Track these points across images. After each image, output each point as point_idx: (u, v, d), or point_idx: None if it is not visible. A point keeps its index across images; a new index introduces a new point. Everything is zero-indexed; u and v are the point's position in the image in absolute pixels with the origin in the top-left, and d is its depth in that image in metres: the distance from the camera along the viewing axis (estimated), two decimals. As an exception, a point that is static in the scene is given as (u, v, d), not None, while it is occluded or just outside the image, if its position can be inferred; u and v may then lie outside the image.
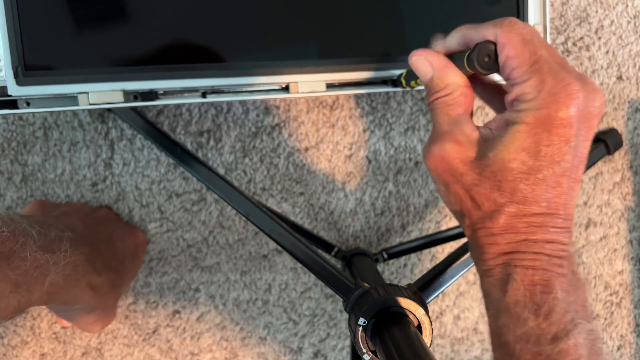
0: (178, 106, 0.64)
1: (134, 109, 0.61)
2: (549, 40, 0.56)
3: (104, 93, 0.46)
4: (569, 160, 0.34)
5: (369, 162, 0.68)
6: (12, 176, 0.64)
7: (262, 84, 0.50)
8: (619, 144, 0.70)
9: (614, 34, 0.69)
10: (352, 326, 0.41)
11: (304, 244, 0.47)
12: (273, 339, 0.71)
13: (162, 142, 0.58)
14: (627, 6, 0.68)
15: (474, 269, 0.73)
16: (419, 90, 0.67)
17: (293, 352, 0.72)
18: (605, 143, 0.69)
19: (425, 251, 0.71)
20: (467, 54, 0.37)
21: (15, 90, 0.45)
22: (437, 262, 0.51)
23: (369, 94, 0.67)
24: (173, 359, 0.70)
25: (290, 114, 0.66)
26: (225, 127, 0.66)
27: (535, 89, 0.34)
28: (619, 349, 0.76)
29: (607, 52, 0.69)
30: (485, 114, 0.69)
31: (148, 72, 0.47)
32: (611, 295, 0.74)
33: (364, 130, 0.68)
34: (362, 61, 0.51)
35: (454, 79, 0.38)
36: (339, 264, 0.66)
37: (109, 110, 0.63)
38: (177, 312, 0.69)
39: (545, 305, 0.33)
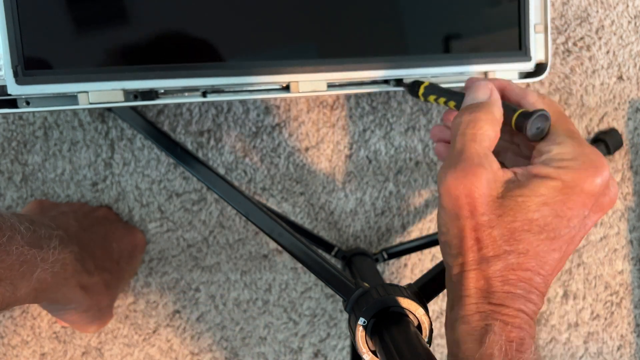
0: (178, 106, 0.64)
1: (134, 108, 0.61)
2: (549, 40, 0.56)
3: (104, 92, 0.46)
4: (576, 227, 0.35)
5: (370, 162, 0.68)
6: (12, 176, 0.64)
7: (263, 84, 0.50)
8: (619, 144, 0.70)
9: (615, 33, 0.69)
10: (352, 326, 0.41)
11: (304, 244, 0.47)
12: (273, 339, 0.71)
13: (163, 141, 0.58)
14: (627, 6, 0.68)
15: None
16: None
17: (293, 352, 0.72)
18: (605, 143, 0.69)
19: (426, 251, 0.71)
20: (520, 112, 0.39)
21: (15, 90, 0.45)
22: (438, 262, 0.50)
23: (369, 94, 0.67)
24: (173, 359, 0.70)
25: (290, 114, 0.66)
26: (226, 126, 0.66)
27: (575, 150, 0.36)
28: (619, 349, 0.76)
29: (608, 52, 0.69)
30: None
31: (148, 71, 0.47)
32: (611, 295, 0.74)
33: (365, 130, 0.68)
34: (362, 61, 0.51)
35: (499, 114, 0.39)
36: (339, 264, 0.66)
37: (109, 109, 0.63)
38: (177, 312, 0.69)
39: None
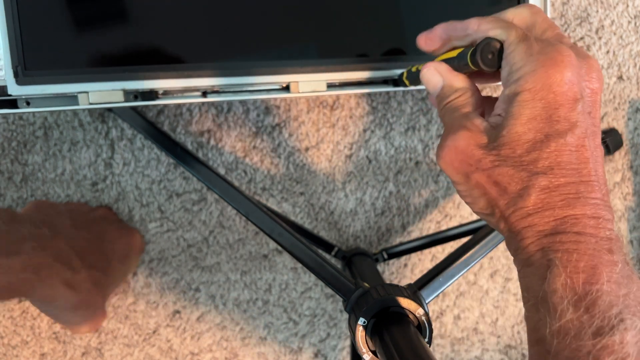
0: (178, 106, 0.64)
1: (134, 108, 0.61)
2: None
3: (104, 92, 0.46)
4: (583, 121, 0.32)
5: (370, 162, 0.68)
6: (13, 176, 0.64)
7: (263, 84, 0.50)
8: (619, 144, 0.70)
9: (615, 33, 0.69)
10: (352, 326, 0.41)
11: (304, 244, 0.47)
12: (273, 339, 0.71)
13: (163, 141, 0.58)
14: (627, 6, 0.68)
15: (474, 269, 0.73)
16: (419, 90, 0.67)
17: (293, 352, 0.72)
18: (605, 143, 0.69)
19: (426, 251, 0.71)
20: (470, 52, 0.37)
21: (15, 90, 0.45)
22: (438, 262, 0.50)
23: (369, 94, 0.67)
24: (173, 359, 0.70)
25: (290, 114, 0.66)
26: (226, 127, 0.66)
27: (525, 54, 0.33)
28: (619, 349, 0.75)
29: (608, 52, 0.69)
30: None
31: (148, 72, 0.47)
32: (611, 295, 0.74)
33: (365, 130, 0.68)
34: (362, 61, 0.51)
35: (462, 83, 0.38)
36: (339, 264, 0.66)
37: (109, 109, 0.63)
38: (178, 312, 0.69)
39: (587, 296, 0.29)
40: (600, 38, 0.68)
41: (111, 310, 0.68)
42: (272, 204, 0.68)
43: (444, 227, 0.71)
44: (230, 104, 0.65)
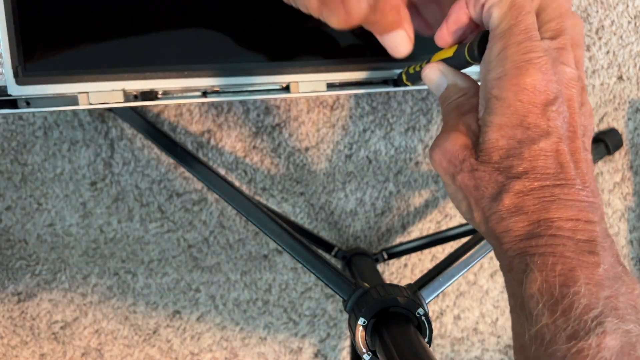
0: (178, 106, 0.64)
1: (134, 108, 0.61)
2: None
3: (104, 93, 0.46)
4: (558, 125, 0.31)
5: (370, 162, 0.68)
6: (12, 176, 0.64)
7: (263, 84, 0.50)
8: (619, 144, 0.70)
9: (615, 34, 0.69)
10: (352, 326, 0.41)
11: (304, 244, 0.47)
12: (273, 339, 0.71)
13: (163, 141, 0.58)
14: (627, 6, 0.68)
15: (474, 269, 0.73)
16: (419, 90, 0.67)
17: (293, 352, 0.72)
18: (605, 143, 0.69)
19: (426, 251, 0.71)
20: (466, 47, 0.37)
21: (15, 90, 0.45)
22: (437, 262, 0.50)
23: (369, 94, 0.67)
24: (173, 359, 0.70)
25: (290, 114, 0.66)
26: (226, 127, 0.66)
27: (498, 54, 0.33)
28: (619, 349, 0.75)
29: (608, 52, 0.69)
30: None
31: (148, 72, 0.47)
32: (611, 295, 0.74)
33: (365, 130, 0.68)
34: (362, 61, 0.51)
35: (467, 82, 0.38)
36: (339, 264, 0.66)
37: (109, 109, 0.63)
38: (178, 312, 0.69)
39: (564, 299, 0.28)
40: (600, 38, 0.68)
41: (111, 310, 0.68)
42: (272, 204, 0.68)
43: (444, 227, 0.71)
44: (230, 104, 0.65)
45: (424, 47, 0.44)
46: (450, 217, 0.71)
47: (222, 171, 0.66)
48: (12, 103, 0.46)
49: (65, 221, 0.66)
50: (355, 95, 0.67)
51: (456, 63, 0.39)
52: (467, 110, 0.36)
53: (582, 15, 0.68)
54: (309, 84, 0.50)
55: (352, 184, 0.69)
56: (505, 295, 0.74)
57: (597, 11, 0.68)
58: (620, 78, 0.70)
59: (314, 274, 0.47)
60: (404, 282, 0.48)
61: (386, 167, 0.69)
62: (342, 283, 0.45)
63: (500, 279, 0.73)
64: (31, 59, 0.45)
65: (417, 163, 0.69)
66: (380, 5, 0.37)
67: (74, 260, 0.67)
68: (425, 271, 0.49)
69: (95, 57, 0.46)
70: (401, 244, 0.68)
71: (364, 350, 0.41)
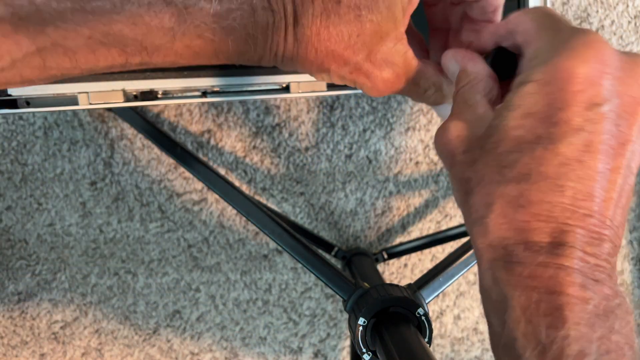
0: (178, 106, 0.64)
1: (134, 108, 0.61)
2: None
3: (104, 93, 0.46)
4: (596, 131, 0.25)
5: (370, 162, 0.68)
6: (12, 176, 0.64)
7: (263, 84, 0.50)
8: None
9: (615, 34, 0.69)
10: (352, 326, 0.41)
11: (304, 244, 0.47)
12: (273, 339, 0.71)
13: (163, 141, 0.58)
14: (627, 6, 0.68)
15: (474, 269, 0.73)
16: (419, 90, 0.67)
17: (293, 352, 0.72)
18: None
19: (426, 251, 0.71)
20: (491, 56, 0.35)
21: (15, 90, 0.45)
22: (437, 262, 0.50)
23: (369, 94, 0.67)
24: (173, 359, 0.70)
25: (290, 114, 0.66)
26: (226, 127, 0.66)
27: (545, 41, 0.28)
28: (619, 349, 0.76)
29: (608, 52, 0.69)
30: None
31: (148, 72, 0.47)
32: (611, 295, 0.74)
33: (365, 130, 0.68)
34: (362, 61, 0.51)
35: (478, 69, 0.32)
36: (339, 264, 0.66)
37: (109, 109, 0.63)
38: (178, 312, 0.69)
39: (553, 345, 0.23)
40: (600, 38, 0.68)
41: (111, 310, 0.68)
42: (272, 204, 0.68)
43: (444, 227, 0.71)
44: (230, 104, 0.65)
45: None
46: (450, 217, 0.71)
47: (222, 171, 0.66)
48: (12, 103, 0.46)
49: (65, 221, 0.66)
50: (355, 95, 0.67)
51: None
52: (473, 95, 0.32)
53: (582, 16, 0.68)
54: (309, 84, 0.50)
55: (352, 184, 0.69)
56: (505, 295, 0.74)
57: (597, 11, 0.68)
58: (605, 41, 0.70)
59: (314, 274, 0.47)
60: (404, 282, 0.48)
61: (386, 167, 0.69)
62: (342, 283, 0.45)
63: (500, 279, 0.73)
64: (31, 59, 0.45)
65: (417, 163, 0.69)
66: (409, 75, 0.34)
67: (74, 260, 0.67)
68: (425, 271, 0.49)
69: (95, 57, 0.46)
70: (401, 244, 0.68)
71: (364, 350, 0.41)
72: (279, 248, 0.67)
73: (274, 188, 0.68)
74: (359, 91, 0.53)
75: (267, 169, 0.67)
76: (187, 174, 0.66)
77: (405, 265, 0.71)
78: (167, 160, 0.66)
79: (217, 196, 0.66)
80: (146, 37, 0.28)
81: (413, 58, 0.33)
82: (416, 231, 0.71)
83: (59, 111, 0.63)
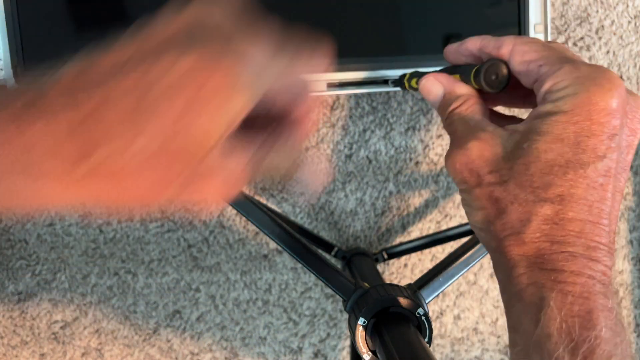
0: (178, 106, 0.64)
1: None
2: (549, 40, 0.56)
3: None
4: (613, 158, 0.29)
5: (370, 162, 0.68)
6: (12, 176, 0.64)
7: (262, 84, 0.50)
8: (619, 144, 0.70)
9: (615, 34, 0.69)
10: (352, 326, 0.41)
11: (304, 244, 0.47)
12: (273, 339, 0.71)
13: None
14: (627, 6, 0.68)
15: (474, 269, 0.73)
16: (419, 90, 0.67)
17: (293, 352, 0.72)
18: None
19: (426, 251, 0.71)
20: (474, 70, 0.37)
21: (15, 90, 0.45)
22: (437, 262, 0.50)
23: (369, 94, 0.67)
24: (173, 359, 0.70)
25: (290, 114, 0.66)
26: (226, 127, 0.65)
27: (569, 75, 0.31)
28: (619, 349, 0.75)
29: (608, 52, 0.69)
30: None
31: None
32: (611, 295, 0.74)
33: (365, 130, 0.68)
34: (362, 61, 0.51)
35: (465, 90, 0.36)
36: (339, 264, 0.66)
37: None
38: (178, 312, 0.69)
39: (584, 344, 0.27)
40: (600, 38, 0.68)
41: (111, 310, 0.68)
42: (272, 204, 0.68)
43: (444, 227, 0.71)
44: (230, 104, 0.65)
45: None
46: (450, 217, 0.71)
47: (222, 171, 0.66)
48: (12, 103, 0.46)
49: (65, 221, 0.66)
50: (355, 95, 0.67)
51: (462, 78, 0.38)
52: (480, 118, 0.35)
53: (582, 16, 0.68)
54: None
55: (352, 184, 0.69)
56: (505, 295, 0.74)
57: (597, 11, 0.68)
58: (620, 78, 0.70)
59: (314, 274, 0.47)
60: (404, 282, 0.48)
61: (386, 167, 0.69)
62: (342, 283, 0.45)
63: (500, 279, 0.73)
64: (31, 59, 0.45)
65: (417, 163, 0.69)
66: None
67: (74, 260, 0.67)
68: (425, 271, 0.49)
69: (95, 57, 0.46)
70: (401, 244, 0.68)
71: (364, 350, 0.41)
72: (279, 248, 0.67)
73: (274, 188, 0.68)
74: (359, 91, 0.53)
75: (267, 169, 0.67)
76: (187, 174, 0.66)
77: (405, 265, 0.71)
78: (167, 160, 0.66)
79: (217, 196, 0.66)
80: None
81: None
82: (416, 231, 0.71)
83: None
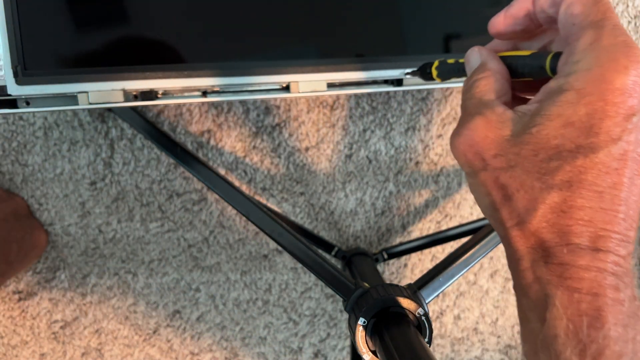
0: (178, 106, 0.64)
1: (134, 108, 0.61)
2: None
3: (103, 92, 0.46)
4: (630, 140, 0.27)
5: (370, 162, 0.68)
6: (14, 177, 0.64)
7: (263, 84, 0.50)
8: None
9: (615, 34, 0.69)
10: (352, 326, 0.41)
11: (304, 244, 0.47)
12: (273, 339, 0.71)
13: (163, 141, 0.58)
14: (627, 6, 0.68)
15: (474, 269, 0.73)
16: (419, 90, 0.67)
17: (293, 352, 0.72)
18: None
19: (426, 251, 0.71)
20: (551, 55, 0.32)
21: (15, 90, 0.45)
22: (437, 262, 0.50)
23: (369, 94, 0.67)
24: (173, 359, 0.70)
25: (290, 114, 0.66)
26: (226, 127, 0.65)
27: (587, 45, 0.28)
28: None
29: (608, 52, 0.69)
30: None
31: (148, 72, 0.47)
32: (611, 295, 0.74)
33: (365, 130, 0.68)
34: (363, 61, 0.51)
35: (496, 66, 0.33)
36: (339, 264, 0.66)
37: (109, 109, 0.63)
38: (178, 312, 0.69)
39: (593, 344, 0.25)
40: (600, 38, 0.68)
41: (111, 311, 0.68)
42: (272, 204, 0.68)
43: (444, 227, 0.71)
44: (230, 104, 0.65)
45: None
46: (450, 217, 0.71)
47: (222, 171, 0.66)
48: (12, 103, 0.46)
49: (65, 221, 0.66)
50: (355, 95, 0.67)
51: (522, 64, 0.34)
52: (491, 99, 0.32)
53: (582, 15, 0.68)
54: (309, 83, 0.50)
55: (352, 184, 0.69)
56: (506, 296, 0.74)
57: (597, 11, 0.68)
58: None
59: (314, 274, 0.47)
60: (404, 282, 0.48)
61: (386, 167, 0.69)
62: (342, 283, 0.45)
63: (500, 279, 0.73)
64: (31, 59, 0.45)
65: (417, 163, 0.69)
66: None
67: (73, 259, 0.67)
68: (425, 271, 0.49)
69: (95, 57, 0.46)
70: (401, 244, 0.68)
71: (364, 350, 0.41)
72: (279, 248, 0.67)
73: (274, 188, 0.68)
74: (359, 91, 0.53)
75: (267, 169, 0.67)
76: (187, 174, 0.66)
77: (405, 265, 0.71)
78: (167, 160, 0.66)
79: (217, 196, 0.66)
80: None
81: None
82: (416, 231, 0.71)
83: (59, 111, 0.63)
